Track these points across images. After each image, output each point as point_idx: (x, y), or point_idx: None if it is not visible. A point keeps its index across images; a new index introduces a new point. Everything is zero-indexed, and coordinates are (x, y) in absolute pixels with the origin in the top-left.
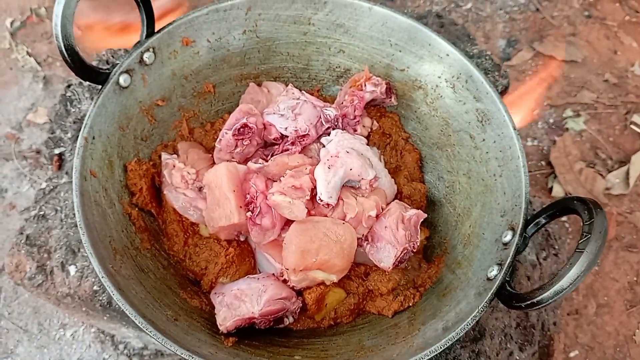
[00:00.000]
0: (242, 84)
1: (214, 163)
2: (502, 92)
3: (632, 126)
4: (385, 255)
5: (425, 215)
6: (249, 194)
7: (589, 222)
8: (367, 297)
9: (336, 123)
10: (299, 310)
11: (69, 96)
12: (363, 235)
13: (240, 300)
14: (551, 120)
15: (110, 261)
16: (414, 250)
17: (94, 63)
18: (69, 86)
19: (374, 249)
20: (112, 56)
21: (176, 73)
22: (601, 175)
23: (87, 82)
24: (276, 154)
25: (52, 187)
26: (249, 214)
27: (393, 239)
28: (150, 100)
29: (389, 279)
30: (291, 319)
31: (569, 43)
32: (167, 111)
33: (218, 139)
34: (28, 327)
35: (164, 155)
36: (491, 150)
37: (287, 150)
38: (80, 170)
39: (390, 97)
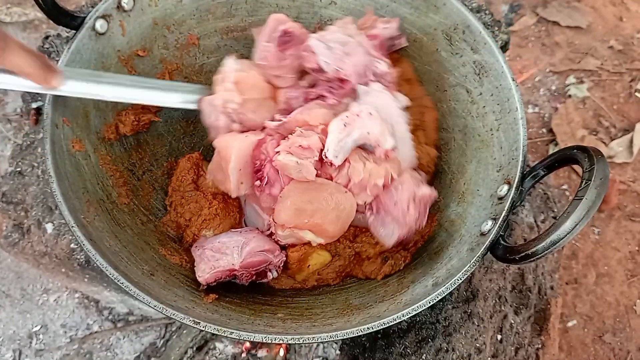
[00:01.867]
0: (229, 37)
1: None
2: (502, 48)
3: (637, 94)
4: (388, 231)
5: (436, 195)
6: (258, 159)
7: (589, 169)
8: (355, 260)
9: (382, 79)
10: (282, 264)
11: (47, 48)
12: (366, 202)
13: (221, 253)
14: (553, 87)
15: (82, 212)
16: (418, 230)
17: None
18: (46, 38)
19: (378, 221)
20: (92, 6)
21: (158, 22)
22: (604, 143)
23: (66, 34)
24: (310, 93)
25: (28, 143)
26: (257, 182)
27: (401, 218)
28: (129, 49)
29: (378, 242)
30: (275, 274)
31: (573, 9)
32: (149, 63)
33: (260, 56)
34: (10, 292)
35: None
36: (488, 104)
37: (324, 97)
38: (51, 117)
39: (401, 36)
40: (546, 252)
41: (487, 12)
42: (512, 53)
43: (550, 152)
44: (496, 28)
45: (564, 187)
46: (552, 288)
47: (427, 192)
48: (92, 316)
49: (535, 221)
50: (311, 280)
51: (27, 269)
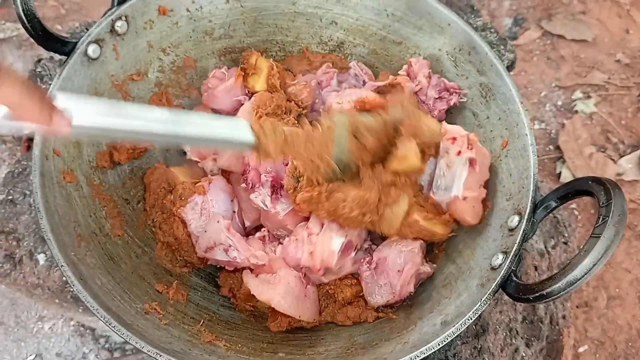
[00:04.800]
0: (226, 58)
1: None
2: (508, 68)
3: None
4: (379, 293)
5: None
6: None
7: (606, 204)
8: (332, 305)
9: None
10: None
11: (39, 72)
12: (364, 259)
13: None
14: (560, 103)
15: (72, 248)
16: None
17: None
18: (38, 61)
19: (372, 279)
20: (87, 29)
21: (153, 45)
22: (612, 160)
23: (59, 58)
24: None
25: (20, 170)
26: (243, 185)
27: (399, 287)
28: (124, 74)
29: (355, 282)
30: None
31: (579, 22)
32: (144, 87)
33: None
34: (4, 319)
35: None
36: (496, 128)
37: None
38: (41, 148)
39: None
40: (562, 292)
41: (492, 30)
42: (517, 68)
43: (558, 170)
44: (502, 47)
45: (573, 206)
46: (564, 317)
47: (428, 270)
48: (88, 344)
49: (545, 247)
50: (283, 322)
51: (21, 296)
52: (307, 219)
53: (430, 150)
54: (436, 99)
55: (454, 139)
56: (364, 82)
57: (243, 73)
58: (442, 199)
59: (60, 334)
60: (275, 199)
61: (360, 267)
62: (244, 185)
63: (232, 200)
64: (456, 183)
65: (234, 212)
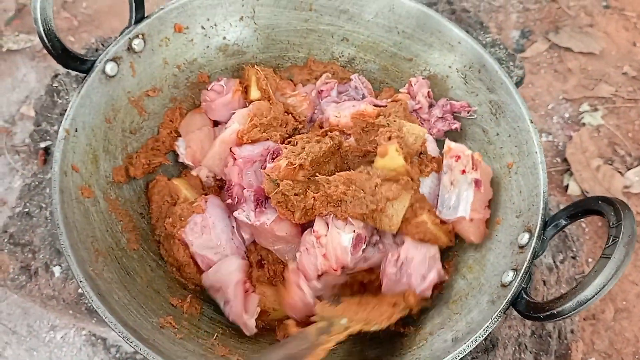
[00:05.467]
0: (239, 74)
1: None
2: (517, 84)
3: None
4: (395, 290)
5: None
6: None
7: (616, 225)
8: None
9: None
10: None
11: (56, 87)
12: (391, 257)
13: None
14: (567, 115)
15: (90, 264)
16: None
17: (83, 52)
18: (55, 76)
19: (395, 277)
20: (102, 44)
21: (168, 62)
22: (620, 172)
23: (75, 72)
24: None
25: (37, 183)
26: (229, 201)
27: (418, 291)
28: (139, 90)
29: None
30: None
31: (586, 34)
32: (159, 102)
33: None
34: (17, 328)
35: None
36: (505, 145)
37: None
38: (60, 164)
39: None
40: (573, 312)
41: (501, 46)
42: (525, 80)
43: (565, 182)
44: (511, 63)
45: (581, 219)
46: (572, 332)
47: (443, 275)
48: (99, 354)
49: (554, 261)
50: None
51: (33, 305)
52: (299, 225)
53: (415, 150)
54: (439, 117)
55: (458, 157)
56: (364, 96)
57: (241, 88)
58: (449, 218)
59: (72, 344)
60: (259, 212)
61: (385, 261)
62: (229, 200)
63: (229, 216)
64: (462, 204)
65: (233, 227)
